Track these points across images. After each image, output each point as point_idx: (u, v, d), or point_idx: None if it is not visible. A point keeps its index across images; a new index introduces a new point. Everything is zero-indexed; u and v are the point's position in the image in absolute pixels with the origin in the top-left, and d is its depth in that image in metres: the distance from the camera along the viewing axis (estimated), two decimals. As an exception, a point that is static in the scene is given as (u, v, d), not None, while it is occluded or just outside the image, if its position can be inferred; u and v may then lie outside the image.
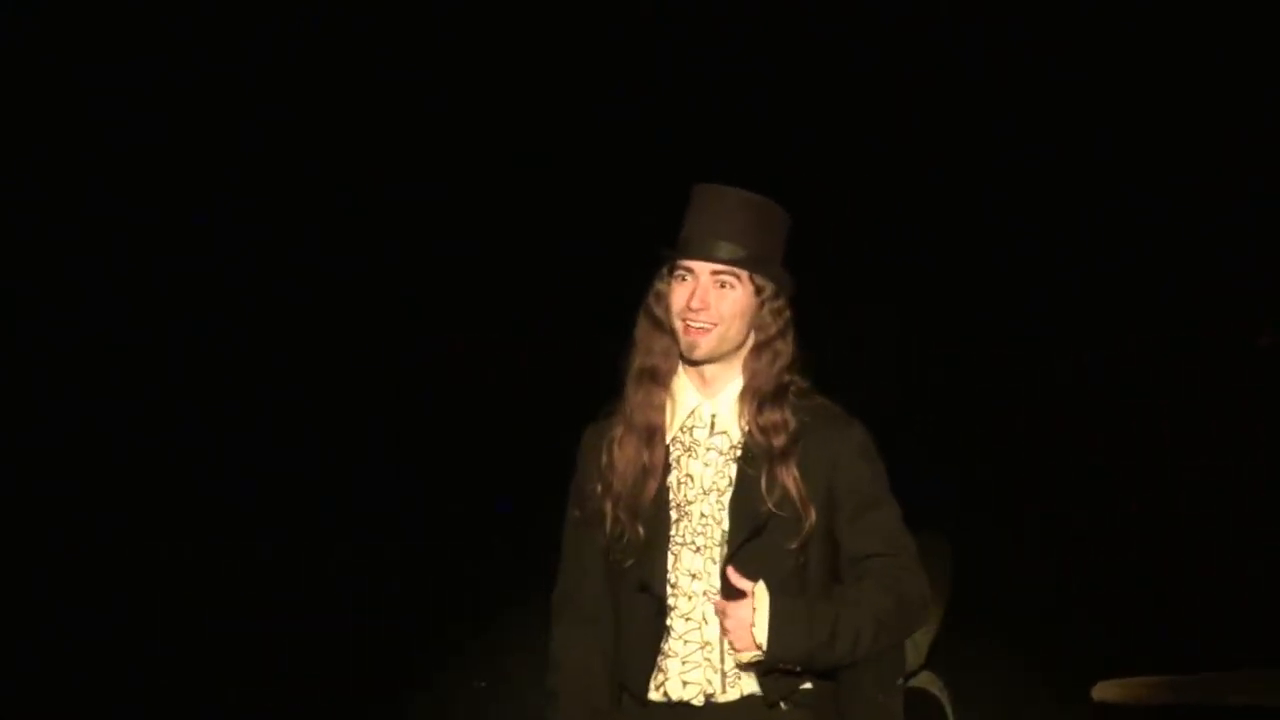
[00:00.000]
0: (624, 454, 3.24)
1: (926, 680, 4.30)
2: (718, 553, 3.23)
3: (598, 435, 3.31)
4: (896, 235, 6.14)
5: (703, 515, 3.24)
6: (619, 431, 3.26)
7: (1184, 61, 5.94)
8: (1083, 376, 6.12)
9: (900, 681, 3.37)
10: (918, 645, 4.34)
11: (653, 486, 3.23)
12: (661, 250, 3.23)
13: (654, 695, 3.27)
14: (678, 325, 3.20)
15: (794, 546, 3.19)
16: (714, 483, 3.25)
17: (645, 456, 3.24)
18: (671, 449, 3.25)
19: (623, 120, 6.18)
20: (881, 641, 3.14)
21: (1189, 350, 6.02)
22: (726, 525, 3.23)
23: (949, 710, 4.35)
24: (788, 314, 3.23)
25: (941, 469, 5.65)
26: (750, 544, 3.20)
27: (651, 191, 5.80)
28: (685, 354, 3.21)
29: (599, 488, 3.26)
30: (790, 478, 3.18)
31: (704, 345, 3.19)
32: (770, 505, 3.18)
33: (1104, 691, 5.30)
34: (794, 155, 6.05)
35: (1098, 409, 6.09)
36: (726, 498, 3.22)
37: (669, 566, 3.24)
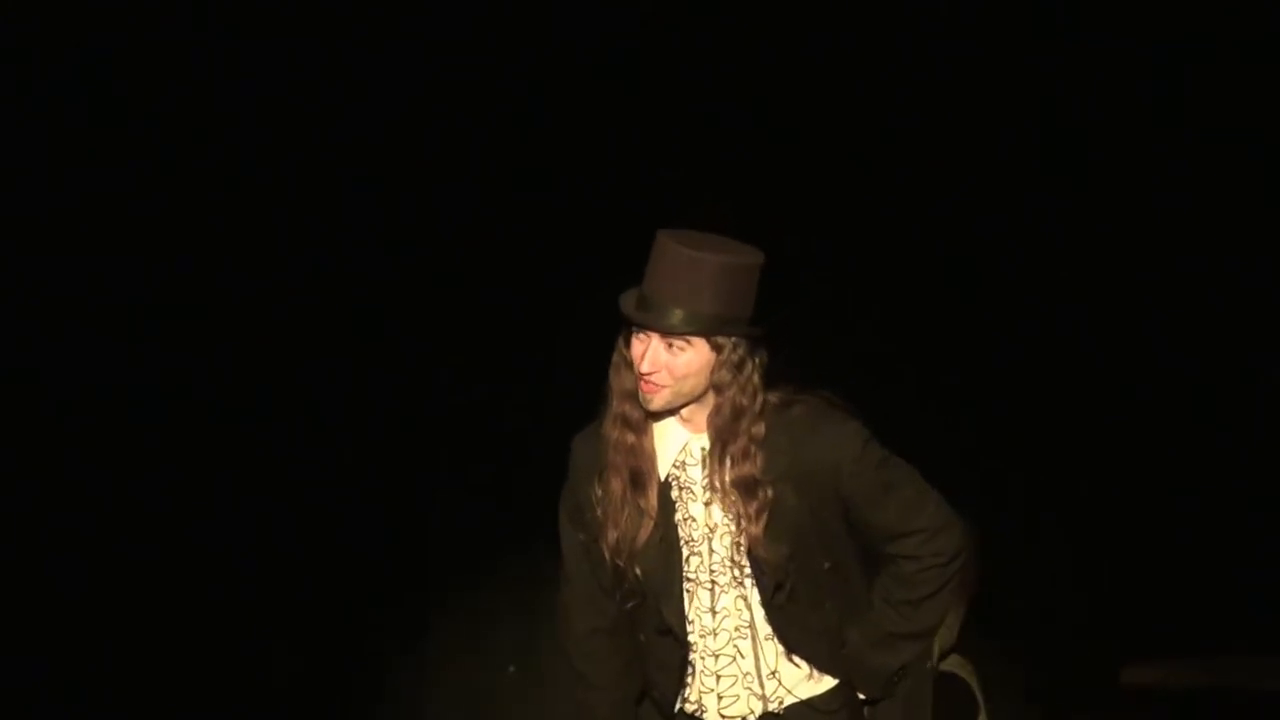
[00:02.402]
0: (613, 492, 3.21)
1: (955, 664, 4.29)
2: (745, 589, 3.24)
3: (587, 452, 3.28)
4: (896, 230, 6.15)
5: (713, 552, 3.22)
6: (605, 464, 3.23)
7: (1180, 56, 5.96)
8: (1058, 332, 6.15)
9: (928, 666, 3.38)
10: (947, 627, 4.36)
11: (649, 527, 3.21)
12: (621, 298, 3.16)
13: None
14: (636, 376, 3.15)
15: (827, 565, 3.22)
16: (720, 520, 3.23)
17: (639, 501, 3.21)
18: (670, 486, 3.23)
19: (621, 121, 6.18)
20: (936, 616, 3.28)
21: (1161, 313, 6.05)
22: (744, 562, 3.22)
23: (977, 692, 4.33)
24: (750, 364, 3.14)
25: (922, 418, 5.67)
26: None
27: (650, 190, 5.84)
28: (642, 405, 3.17)
29: (595, 518, 3.23)
30: (760, 538, 3.17)
31: (657, 401, 3.15)
32: (784, 549, 3.18)
33: (1134, 673, 5.28)
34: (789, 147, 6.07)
35: (1076, 363, 6.11)
36: (743, 539, 3.20)
37: (686, 605, 3.24)
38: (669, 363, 3.10)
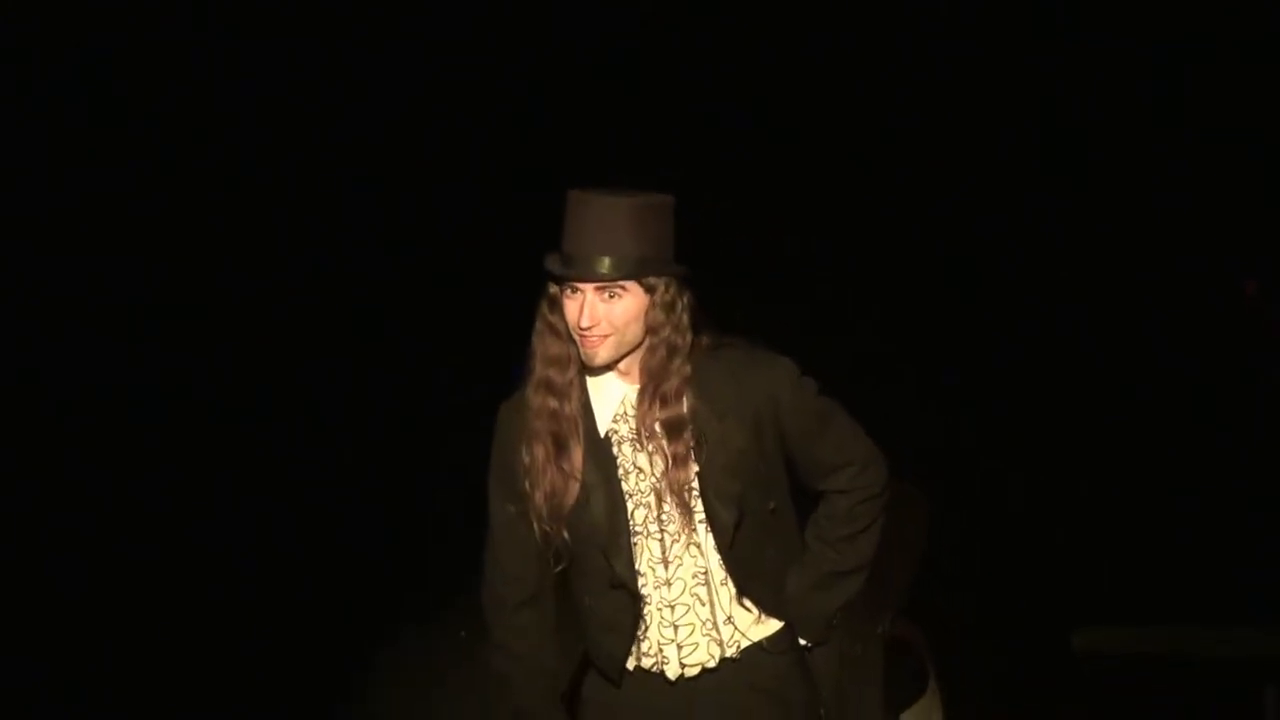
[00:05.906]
0: (536, 459, 3.21)
1: (904, 628, 4.29)
2: (699, 535, 3.25)
3: (513, 420, 3.26)
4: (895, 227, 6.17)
5: (662, 502, 3.24)
6: (527, 433, 3.22)
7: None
8: (1058, 332, 6.17)
9: (878, 631, 3.39)
10: (898, 590, 4.35)
11: (574, 490, 3.22)
12: (545, 262, 3.14)
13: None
14: (576, 337, 3.15)
15: (771, 505, 3.25)
16: (668, 467, 3.22)
17: (562, 464, 3.20)
18: (610, 441, 3.23)
19: (621, 121, 6.19)
20: (870, 550, 3.31)
21: (1161, 313, 6.08)
22: (696, 507, 3.23)
23: (927, 658, 4.33)
24: (680, 303, 3.16)
25: (922, 418, 5.68)
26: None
27: (650, 190, 5.83)
28: (586, 364, 3.17)
29: (524, 489, 3.24)
30: (693, 479, 3.19)
31: (602, 354, 3.15)
32: (736, 486, 3.20)
33: (1084, 639, 5.32)
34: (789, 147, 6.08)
35: (1076, 363, 6.13)
36: (672, 482, 3.20)
37: (636, 559, 3.25)
38: (608, 313, 3.11)
